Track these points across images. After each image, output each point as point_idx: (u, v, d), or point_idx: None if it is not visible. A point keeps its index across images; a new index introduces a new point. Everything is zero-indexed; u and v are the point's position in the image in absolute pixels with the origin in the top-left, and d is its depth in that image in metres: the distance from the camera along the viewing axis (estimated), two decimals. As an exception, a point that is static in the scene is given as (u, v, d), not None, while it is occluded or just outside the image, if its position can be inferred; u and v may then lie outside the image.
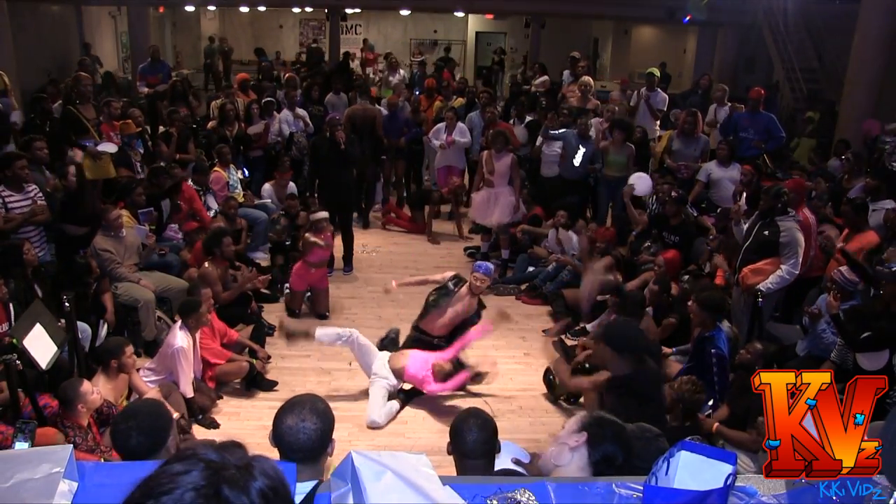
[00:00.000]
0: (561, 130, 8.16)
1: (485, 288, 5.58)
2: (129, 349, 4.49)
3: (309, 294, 6.73)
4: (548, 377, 5.46)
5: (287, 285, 6.74)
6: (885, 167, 7.73)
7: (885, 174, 6.87)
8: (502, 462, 2.66)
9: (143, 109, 9.31)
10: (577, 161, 7.94)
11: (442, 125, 8.92)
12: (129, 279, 5.73)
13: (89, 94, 7.33)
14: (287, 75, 11.51)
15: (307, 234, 6.64)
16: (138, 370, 4.85)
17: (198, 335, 5.08)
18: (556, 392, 5.35)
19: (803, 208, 5.87)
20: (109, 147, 7.05)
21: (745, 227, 5.57)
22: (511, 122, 9.50)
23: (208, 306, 5.21)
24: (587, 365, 5.16)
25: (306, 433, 2.11)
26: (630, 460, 2.25)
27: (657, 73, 9.73)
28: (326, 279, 6.73)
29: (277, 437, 2.16)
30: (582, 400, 5.18)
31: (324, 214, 6.68)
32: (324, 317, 6.59)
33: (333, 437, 2.23)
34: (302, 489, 1.79)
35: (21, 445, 3.14)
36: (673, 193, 6.73)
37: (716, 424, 4.24)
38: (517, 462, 2.67)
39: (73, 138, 7.02)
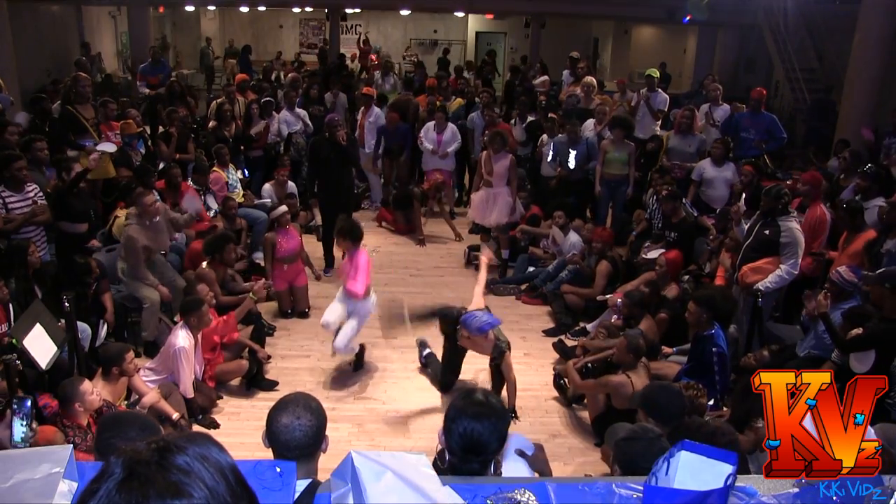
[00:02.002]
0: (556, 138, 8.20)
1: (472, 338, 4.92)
2: (130, 355, 4.48)
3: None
4: (558, 381, 5.45)
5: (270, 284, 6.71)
6: (889, 167, 7.70)
7: (885, 174, 6.85)
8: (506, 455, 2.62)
9: (143, 110, 9.32)
10: (571, 164, 7.97)
11: (431, 124, 8.92)
12: (148, 282, 5.71)
13: (88, 94, 7.32)
14: (290, 76, 11.49)
15: (268, 234, 6.64)
16: (138, 370, 4.85)
17: (199, 335, 5.07)
18: (569, 397, 5.34)
19: (819, 204, 5.86)
20: (108, 147, 7.05)
21: (746, 226, 5.57)
22: (512, 122, 9.50)
23: (207, 303, 5.20)
24: (591, 365, 5.16)
25: (302, 430, 2.12)
26: (503, 442, 2.09)
27: (656, 74, 9.73)
28: (304, 276, 6.71)
29: (272, 437, 2.16)
30: (585, 401, 5.19)
31: (283, 209, 6.69)
32: (304, 314, 6.58)
33: (328, 434, 2.23)
34: (297, 486, 1.79)
35: (19, 425, 3.12)
36: (663, 192, 6.73)
37: None
38: (521, 453, 2.65)
39: (72, 138, 7.02)
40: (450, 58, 17.24)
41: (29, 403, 3.22)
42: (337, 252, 7.60)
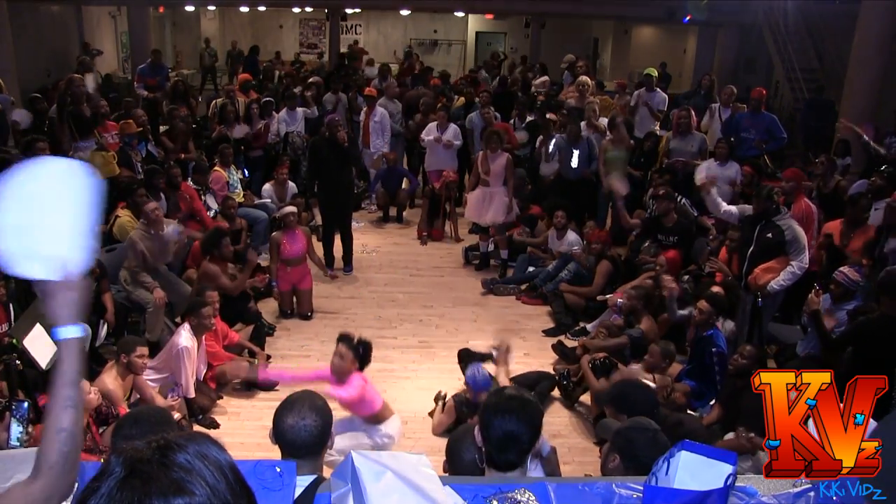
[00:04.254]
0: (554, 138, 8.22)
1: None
2: (141, 350, 4.45)
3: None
4: (563, 382, 5.44)
5: (273, 283, 6.72)
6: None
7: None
8: None
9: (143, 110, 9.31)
10: (574, 163, 7.97)
11: (433, 125, 8.90)
12: (148, 285, 5.69)
13: (83, 94, 7.30)
14: (314, 79, 11.40)
15: (274, 233, 6.64)
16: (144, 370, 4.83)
17: (203, 336, 5.07)
18: (572, 397, 5.34)
19: (802, 197, 5.87)
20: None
21: (743, 230, 5.56)
22: (511, 122, 9.50)
23: (214, 308, 5.20)
24: (598, 362, 5.16)
25: (307, 430, 2.17)
26: (537, 432, 2.17)
27: (654, 73, 9.74)
28: (309, 279, 6.66)
29: (279, 436, 2.20)
30: (587, 399, 5.18)
31: (290, 209, 6.66)
32: (307, 317, 6.56)
33: (332, 431, 2.28)
34: (302, 482, 1.86)
35: (16, 428, 3.12)
36: (661, 191, 6.71)
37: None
38: (536, 454, 2.66)
39: (76, 139, 7.02)
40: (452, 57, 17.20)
41: (26, 406, 3.23)
42: (337, 252, 7.62)
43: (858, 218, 5.76)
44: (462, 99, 10.52)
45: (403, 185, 9.35)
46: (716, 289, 5.19)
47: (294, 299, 6.64)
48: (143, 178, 6.93)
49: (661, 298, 5.73)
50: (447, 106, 9.43)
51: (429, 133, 8.88)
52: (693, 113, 8.27)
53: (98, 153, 6.79)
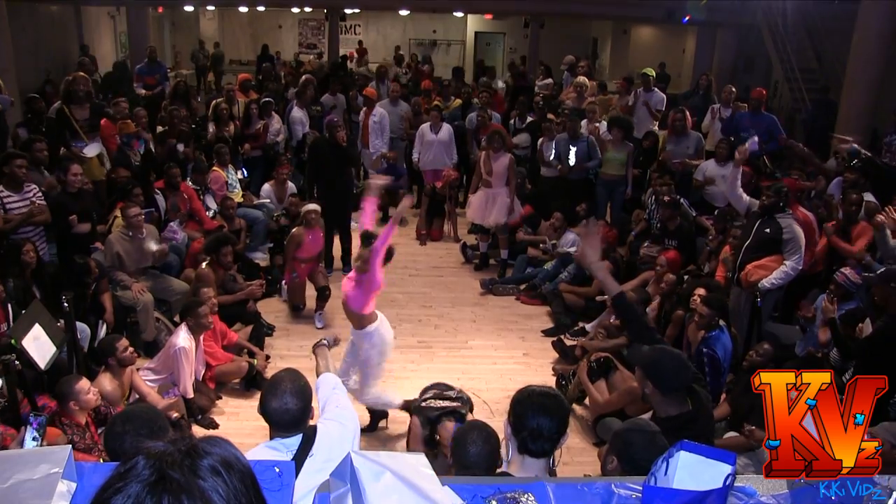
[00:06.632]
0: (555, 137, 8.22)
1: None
2: (122, 343, 4.50)
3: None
4: (560, 383, 5.44)
5: (280, 285, 6.69)
6: (890, 165, 7.70)
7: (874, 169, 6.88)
8: None
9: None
10: (571, 161, 7.97)
11: (427, 125, 8.90)
12: (125, 283, 5.72)
13: (83, 94, 7.29)
14: (305, 77, 11.40)
15: (295, 230, 6.63)
16: (138, 370, 4.84)
17: (201, 337, 5.07)
18: (569, 397, 5.34)
19: (797, 207, 5.90)
20: (92, 150, 6.99)
21: (743, 226, 5.57)
22: (511, 122, 9.49)
23: (211, 306, 5.20)
24: (594, 365, 5.16)
25: (290, 413, 2.43)
26: (564, 428, 2.34)
27: (652, 73, 9.76)
28: (321, 276, 6.70)
29: (265, 416, 2.48)
30: (587, 401, 5.18)
31: (314, 206, 6.67)
32: (324, 297, 6.56)
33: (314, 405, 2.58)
34: (292, 444, 2.39)
35: (30, 439, 3.10)
36: (666, 198, 6.73)
37: None
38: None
39: (67, 139, 7.01)
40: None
41: (44, 419, 3.23)
42: (336, 252, 7.61)
43: (851, 214, 5.76)
44: (457, 101, 10.51)
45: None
46: (700, 291, 5.16)
47: (304, 292, 6.66)
48: (129, 176, 6.94)
49: (677, 296, 5.72)
50: (439, 106, 9.41)
51: (422, 134, 8.88)
52: (688, 114, 8.27)
53: (79, 155, 6.77)
